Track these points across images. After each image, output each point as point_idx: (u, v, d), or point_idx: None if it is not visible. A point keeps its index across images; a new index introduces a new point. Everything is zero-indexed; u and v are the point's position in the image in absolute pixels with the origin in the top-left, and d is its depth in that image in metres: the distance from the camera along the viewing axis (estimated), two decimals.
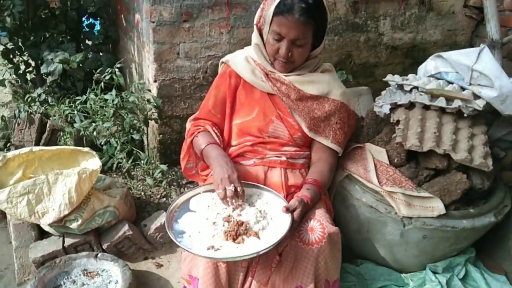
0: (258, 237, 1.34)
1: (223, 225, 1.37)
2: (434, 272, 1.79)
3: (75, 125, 2.23)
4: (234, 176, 1.45)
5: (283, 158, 1.62)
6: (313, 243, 1.41)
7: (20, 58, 3.20)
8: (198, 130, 1.67)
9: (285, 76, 1.60)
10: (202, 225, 1.38)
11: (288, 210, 1.38)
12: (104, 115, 2.19)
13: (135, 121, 2.26)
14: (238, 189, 1.43)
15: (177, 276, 1.91)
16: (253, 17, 1.62)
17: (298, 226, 1.43)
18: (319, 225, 1.43)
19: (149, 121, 2.37)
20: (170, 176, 2.27)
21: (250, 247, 1.30)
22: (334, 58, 2.79)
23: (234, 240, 1.32)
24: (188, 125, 1.77)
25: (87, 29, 3.24)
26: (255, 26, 1.59)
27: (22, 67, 3.24)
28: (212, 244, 1.31)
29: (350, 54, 2.84)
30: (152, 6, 2.18)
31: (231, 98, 1.65)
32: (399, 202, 1.62)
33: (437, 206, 1.60)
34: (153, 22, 2.21)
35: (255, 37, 1.60)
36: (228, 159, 1.53)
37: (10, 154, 1.89)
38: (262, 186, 1.55)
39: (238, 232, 1.34)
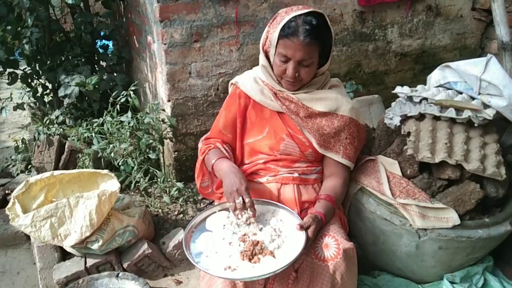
0: (274, 256, 1.37)
1: (239, 245, 1.40)
2: (452, 282, 1.78)
3: (93, 147, 2.30)
4: (242, 188, 1.48)
5: (296, 175, 1.65)
6: (328, 260, 1.42)
7: (38, 82, 3.31)
8: (209, 147, 1.71)
9: (293, 94, 1.62)
10: (219, 246, 1.42)
11: (302, 228, 1.41)
12: (121, 136, 2.25)
13: (150, 141, 2.32)
14: (246, 200, 1.46)
15: None
16: (261, 33, 1.66)
17: (313, 243, 1.45)
18: (334, 241, 1.45)
19: (164, 140, 2.42)
20: (186, 193, 2.32)
21: (266, 266, 1.32)
22: (343, 68, 2.81)
23: (250, 260, 1.35)
24: (200, 144, 1.81)
25: (101, 51, 3.33)
26: (261, 49, 1.62)
27: (40, 90, 3.34)
28: (229, 265, 1.34)
29: (359, 64, 2.86)
30: (163, 29, 2.24)
31: (241, 118, 1.68)
32: (413, 214, 1.63)
33: (452, 217, 1.60)
34: (165, 44, 2.27)
35: (262, 59, 1.63)
36: (236, 169, 1.55)
37: (32, 179, 1.97)
38: (276, 203, 1.58)
39: (253, 252, 1.37)
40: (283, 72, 1.56)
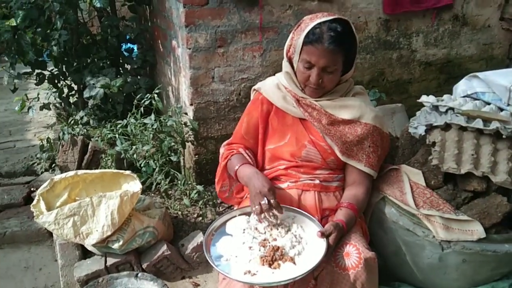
0: (294, 263, 1.36)
1: (259, 250, 1.40)
2: None
3: (117, 148, 2.34)
4: (265, 190, 1.48)
5: (317, 181, 1.63)
6: (349, 268, 1.41)
7: (64, 83, 3.40)
8: (232, 153, 1.72)
9: (316, 101, 1.61)
10: (239, 250, 1.42)
11: (323, 235, 1.40)
12: (144, 138, 2.29)
13: (172, 143, 2.34)
14: (272, 201, 1.46)
15: None
16: (285, 40, 1.66)
17: (333, 251, 1.43)
18: (355, 250, 1.43)
19: (186, 143, 2.44)
20: (205, 196, 2.33)
21: (286, 272, 1.32)
22: (366, 76, 2.80)
23: (270, 265, 1.35)
24: (222, 150, 1.82)
25: (126, 54, 3.40)
26: (285, 55, 1.62)
27: (66, 90, 3.43)
28: (249, 269, 1.34)
29: (383, 72, 2.84)
30: (188, 34, 2.28)
31: (264, 124, 1.68)
32: (437, 225, 1.59)
33: (477, 230, 1.56)
34: (189, 48, 2.30)
35: (285, 65, 1.63)
36: (260, 174, 1.56)
37: (57, 177, 2.01)
38: (297, 209, 1.57)
39: (274, 257, 1.36)
40: (306, 78, 1.55)
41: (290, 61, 1.60)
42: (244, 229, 1.51)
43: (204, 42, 2.32)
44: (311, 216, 1.54)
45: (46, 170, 2.95)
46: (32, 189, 2.64)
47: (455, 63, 3.02)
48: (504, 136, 1.59)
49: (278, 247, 1.40)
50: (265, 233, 1.48)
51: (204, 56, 2.35)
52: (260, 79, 2.45)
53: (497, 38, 3.05)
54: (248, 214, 1.57)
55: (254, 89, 1.76)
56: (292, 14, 2.42)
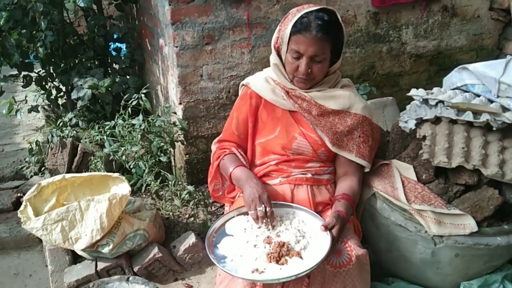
0: (301, 257, 1.35)
1: (265, 247, 1.38)
2: None
3: (105, 150, 2.31)
4: (264, 197, 1.48)
5: (309, 175, 1.62)
6: (341, 266, 1.39)
7: (52, 84, 3.34)
8: (224, 153, 1.70)
9: (306, 92, 1.61)
10: (243, 249, 1.40)
11: (326, 228, 1.39)
12: (132, 139, 2.25)
13: (162, 144, 2.31)
14: (267, 209, 1.45)
15: None
16: (273, 35, 1.64)
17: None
18: (347, 247, 1.42)
19: (176, 143, 2.41)
20: (197, 196, 2.30)
21: (294, 267, 1.30)
22: (357, 70, 2.77)
23: (277, 261, 1.33)
24: (213, 147, 1.80)
25: (114, 53, 3.35)
26: (272, 48, 1.62)
27: (54, 92, 3.37)
28: (256, 267, 1.32)
29: (373, 65, 2.82)
30: (175, 32, 2.24)
31: (253, 118, 1.68)
32: (429, 220, 1.58)
33: (469, 224, 1.55)
34: (176, 46, 2.27)
35: (273, 58, 1.63)
36: (257, 180, 1.56)
37: (44, 182, 1.98)
38: (294, 205, 1.56)
39: (280, 253, 1.35)
40: (295, 69, 1.55)
41: (278, 53, 1.60)
42: (245, 228, 1.49)
43: (191, 40, 2.28)
44: (310, 211, 1.53)
45: (35, 173, 2.91)
46: (20, 194, 2.60)
47: (446, 54, 3.00)
48: (494, 129, 1.58)
49: (284, 243, 1.38)
50: (268, 230, 1.46)
51: (192, 54, 2.32)
52: (249, 75, 2.41)
53: (486, 29, 3.04)
54: (246, 213, 1.55)
55: (243, 84, 1.75)
56: (280, 9, 2.39)
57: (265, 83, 1.66)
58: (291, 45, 1.51)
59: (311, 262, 1.30)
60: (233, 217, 1.56)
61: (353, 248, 1.42)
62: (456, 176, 1.62)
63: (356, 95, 1.67)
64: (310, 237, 1.43)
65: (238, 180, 1.60)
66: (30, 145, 3.03)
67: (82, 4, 2.51)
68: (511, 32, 3.07)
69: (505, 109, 1.57)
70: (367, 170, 1.69)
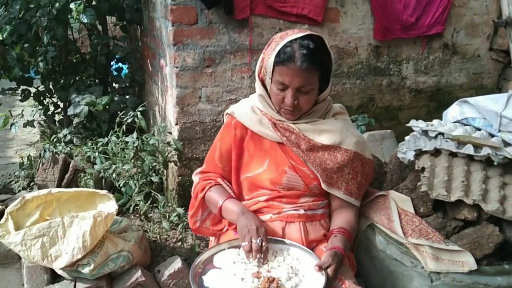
0: None
1: (253, 282, 1.28)
2: None
3: (96, 166, 2.25)
4: (262, 230, 1.39)
5: (301, 211, 1.52)
6: None
7: (50, 100, 3.33)
8: (210, 184, 1.59)
9: (294, 124, 1.52)
10: (230, 282, 1.31)
11: (321, 268, 1.30)
12: (124, 157, 2.21)
13: (154, 163, 2.26)
14: (263, 244, 1.36)
15: None
16: (257, 64, 1.55)
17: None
18: (342, 285, 1.34)
19: (169, 163, 2.36)
20: (186, 219, 2.22)
21: None
22: (356, 102, 2.77)
23: None
24: (195, 178, 1.67)
25: (115, 73, 3.36)
26: (257, 77, 1.53)
27: (51, 108, 3.35)
28: None
29: (373, 98, 2.81)
30: (176, 52, 2.24)
31: (238, 150, 1.57)
32: (426, 255, 1.51)
33: (468, 261, 1.48)
34: (177, 67, 2.26)
35: (258, 88, 1.54)
36: (253, 213, 1.48)
37: (29, 195, 1.91)
38: (290, 241, 1.47)
39: None
40: (281, 101, 1.46)
41: (262, 82, 1.51)
42: (234, 262, 1.39)
43: (192, 61, 2.28)
44: (306, 248, 1.44)
45: (23, 188, 2.84)
46: (5, 207, 2.51)
47: (445, 91, 3.01)
48: (495, 163, 1.53)
49: (274, 279, 1.28)
50: (258, 265, 1.36)
51: (192, 76, 2.31)
52: None
53: (486, 68, 3.07)
54: (238, 247, 1.46)
55: (227, 113, 1.64)
56: None
57: (252, 113, 1.55)
58: (275, 76, 1.42)
59: None
60: (224, 249, 1.47)
61: (348, 286, 1.34)
62: (455, 211, 1.56)
63: (348, 127, 1.57)
64: (303, 276, 1.34)
65: (230, 212, 1.50)
66: (22, 159, 2.97)
67: (85, 20, 2.52)
68: (510, 73, 3.09)
69: (506, 143, 1.54)
70: (357, 206, 1.60)
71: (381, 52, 2.72)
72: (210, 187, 1.59)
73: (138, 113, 2.32)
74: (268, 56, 1.43)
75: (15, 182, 2.89)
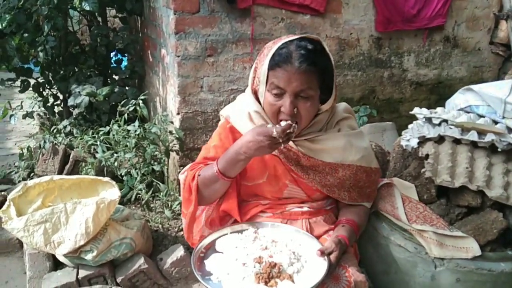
0: (293, 281, 1.24)
1: (254, 267, 1.27)
2: None
3: (97, 155, 2.24)
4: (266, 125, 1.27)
5: (305, 209, 1.48)
6: None
7: (49, 91, 3.31)
8: (199, 168, 1.43)
9: (293, 141, 1.39)
10: (231, 267, 1.30)
11: (323, 253, 1.29)
12: (126, 146, 2.20)
13: (156, 152, 2.25)
14: (284, 124, 1.23)
15: None
16: (249, 77, 1.44)
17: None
18: (345, 273, 1.33)
19: (170, 152, 2.36)
20: None
21: None
22: (357, 93, 2.77)
23: (266, 283, 1.23)
24: (181, 177, 1.48)
25: (115, 65, 3.34)
26: (250, 92, 1.39)
27: (51, 100, 3.34)
28: (242, 287, 1.22)
29: (374, 90, 2.81)
30: (178, 41, 2.23)
31: None
32: (430, 241, 1.51)
33: (472, 247, 1.49)
34: (178, 56, 2.25)
35: (252, 104, 1.38)
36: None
37: (31, 182, 1.90)
38: (293, 227, 1.46)
39: (270, 274, 1.24)
40: (277, 111, 1.30)
41: (256, 96, 1.38)
42: (236, 246, 1.39)
43: (194, 51, 2.27)
44: (310, 235, 1.42)
45: (24, 179, 2.81)
46: (5, 194, 2.50)
47: (446, 84, 3.01)
48: (499, 150, 1.54)
49: (276, 264, 1.27)
50: (263, 248, 1.35)
51: (193, 65, 2.30)
52: None
53: (487, 62, 3.07)
54: (240, 232, 1.45)
55: (223, 115, 1.52)
56: (284, 27, 2.40)
57: (249, 121, 1.40)
58: (270, 80, 1.28)
59: (303, 287, 1.21)
60: (226, 234, 1.47)
61: (351, 274, 1.33)
62: (458, 197, 1.57)
63: (353, 142, 1.42)
64: (305, 261, 1.33)
65: (227, 155, 1.32)
66: (21, 150, 2.95)
67: (87, 8, 2.50)
68: (510, 67, 3.10)
69: (510, 130, 1.54)
70: (368, 206, 1.55)
71: (383, 44, 2.71)
72: (200, 170, 1.42)
73: (140, 101, 2.31)
74: (261, 63, 1.31)
75: (15, 173, 2.87)
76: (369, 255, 1.71)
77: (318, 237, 1.47)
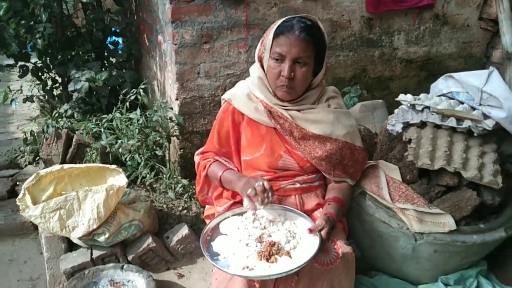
0: (290, 256, 1.41)
1: (256, 246, 1.44)
2: (446, 284, 1.83)
3: (102, 142, 2.36)
4: (257, 177, 1.52)
5: (297, 185, 1.66)
6: (328, 264, 1.47)
7: (48, 75, 3.38)
8: (209, 162, 1.71)
9: (287, 111, 1.59)
10: (236, 247, 1.46)
11: (312, 231, 1.46)
12: (129, 132, 2.31)
13: (158, 138, 2.37)
14: (265, 184, 1.47)
15: (197, 286, 2.01)
16: (257, 47, 1.64)
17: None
18: (334, 246, 1.50)
19: (171, 137, 2.48)
20: (190, 190, 2.37)
21: (283, 266, 1.37)
22: (349, 73, 2.86)
23: (267, 260, 1.40)
24: (196, 159, 1.80)
25: (111, 47, 3.39)
26: (256, 59, 1.62)
27: (49, 83, 3.41)
28: (247, 265, 1.38)
29: (365, 69, 2.90)
30: (174, 30, 2.30)
31: (235, 134, 1.67)
32: (411, 218, 1.68)
33: (448, 222, 1.65)
34: (175, 44, 2.33)
35: (257, 70, 1.62)
36: (249, 177, 1.58)
37: (43, 171, 2.03)
38: (286, 207, 1.62)
39: (271, 252, 1.41)
40: (278, 74, 1.52)
41: (261, 63, 1.61)
42: (238, 228, 1.55)
43: (190, 38, 2.34)
44: (302, 213, 1.59)
45: (30, 163, 2.94)
46: (17, 182, 2.63)
47: (435, 60, 3.10)
48: (475, 134, 1.67)
49: (275, 243, 1.45)
50: (259, 230, 1.52)
51: (190, 52, 2.38)
52: (245, 74, 2.49)
53: (475, 37, 3.14)
54: (241, 214, 1.61)
55: (224, 99, 1.72)
56: (277, 11, 2.46)
57: (248, 100, 1.63)
58: (274, 48, 1.50)
59: (299, 261, 1.37)
60: (228, 217, 1.63)
61: (339, 246, 1.50)
62: (438, 178, 1.72)
63: (340, 118, 1.63)
64: (300, 238, 1.49)
65: (229, 182, 1.61)
66: (25, 134, 3.06)
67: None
68: (498, 42, 3.18)
69: (486, 116, 1.67)
70: (351, 183, 1.72)
71: (374, 24, 2.78)
72: (210, 164, 1.70)
73: (141, 90, 2.40)
74: (268, 33, 1.55)
75: (21, 157, 2.99)
76: (357, 231, 1.88)
77: (309, 211, 1.66)
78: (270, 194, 1.47)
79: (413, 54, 3.00)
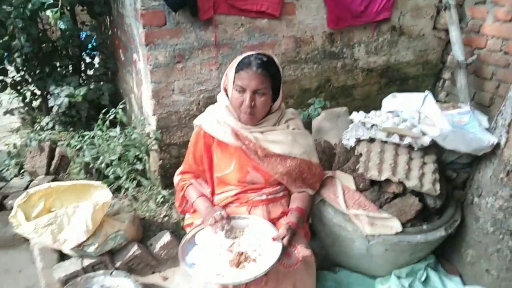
0: (256, 262, 1.64)
1: (227, 255, 1.67)
2: (399, 277, 2.10)
3: (85, 158, 2.53)
4: (216, 208, 1.79)
5: (264, 197, 1.89)
6: (290, 266, 1.70)
7: (26, 88, 3.48)
8: (186, 185, 1.97)
9: (251, 134, 1.81)
10: (209, 256, 1.68)
11: (275, 239, 1.69)
12: (110, 150, 2.49)
13: (137, 153, 2.55)
14: (222, 213, 1.75)
15: (181, 286, 2.22)
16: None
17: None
18: (295, 250, 1.74)
19: (150, 151, 2.66)
20: (170, 200, 2.57)
21: (251, 271, 1.59)
22: (314, 84, 3.09)
23: (237, 266, 1.62)
24: (176, 179, 2.04)
25: (88, 59, 3.51)
26: (222, 89, 1.84)
27: (28, 95, 3.50)
28: (220, 272, 1.60)
29: (329, 79, 3.13)
30: (148, 52, 2.47)
31: (208, 154, 1.91)
32: (364, 222, 1.93)
33: (395, 225, 1.92)
34: (150, 65, 2.50)
35: (223, 99, 1.83)
36: (212, 208, 1.85)
37: (32, 190, 2.20)
38: (253, 216, 1.85)
39: (240, 260, 1.64)
40: (240, 103, 1.75)
41: (226, 93, 1.83)
42: (211, 240, 1.77)
43: (164, 59, 2.52)
44: (267, 222, 1.82)
45: (15, 176, 3.06)
46: (4, 196, 2.76)
47: (394, 68, 3.35)
48: (415, 149, 1.93)
49: (243, 252, 1.67)
50: (231, 240, 1.74)
51: (164, 71, 2.55)
52: (217, 89, 2.69)
53: (431, 45, 3.40)
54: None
55: (196, 124, 1.95)
56: (244, 31, 2.66)
57: (217, 125, 1.84)
58: (236, 81, 1.72)
59: (264, 267, 1.60)
60: (203, 228, 1.84)
61: (299, 251, 1.74)
62: (386, 186, 1.98)
63: (297, 139, 1.85)
64: (265, 245, 1.72)
65: (198, 210, 1.90)
66: (8, 147, 3.17)
67: (62, 27, 2.68)
68: (451, 48, 3.46)
69: (424, 133, 1.93)
70: (311, 193, 1.97)
71: (335, 38, 3.01)
72: (187, 187, 1.97)
73: (120, 110, 2.57)
74: (230, 69, 1.77)
75: (6, 170, 3.10)
76: (320, 232, 2.13)
77: (276, 219, 1.90)
78: (225, 222, 1.74)
79: (373, 64, 3.24)
